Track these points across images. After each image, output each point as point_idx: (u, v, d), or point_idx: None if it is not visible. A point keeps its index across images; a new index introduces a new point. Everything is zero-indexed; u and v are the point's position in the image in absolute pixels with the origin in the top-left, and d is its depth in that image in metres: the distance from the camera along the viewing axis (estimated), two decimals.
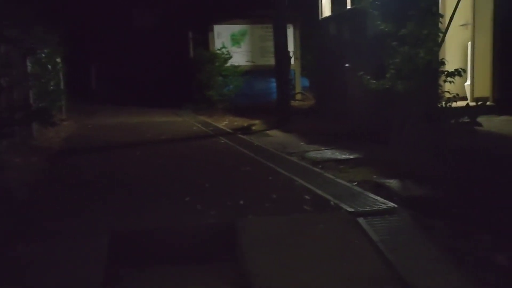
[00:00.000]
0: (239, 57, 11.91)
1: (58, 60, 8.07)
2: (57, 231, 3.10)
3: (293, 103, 10.33)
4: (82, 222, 3.25)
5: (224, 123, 8.73)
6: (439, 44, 4.57)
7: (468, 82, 6.75)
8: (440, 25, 4.63)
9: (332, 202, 3.55)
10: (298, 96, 12.05)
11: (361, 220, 3.19)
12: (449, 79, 4.37)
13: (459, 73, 4.34)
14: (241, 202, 3.64)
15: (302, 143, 6.23)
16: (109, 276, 2.72)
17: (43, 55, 6.37)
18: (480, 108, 4.53)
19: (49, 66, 6.97)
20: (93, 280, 2.56)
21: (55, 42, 7.27)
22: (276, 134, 7.23)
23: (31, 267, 2.67)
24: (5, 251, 2.80)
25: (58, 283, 2.52)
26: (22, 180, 4.20)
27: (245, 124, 8.29)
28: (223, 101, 11.32)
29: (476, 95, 6.54)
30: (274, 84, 11.16)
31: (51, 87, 6.98)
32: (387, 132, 5.22)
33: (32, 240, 2.96)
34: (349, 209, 3.35)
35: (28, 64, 5.84)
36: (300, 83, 12.47)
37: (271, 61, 11.38)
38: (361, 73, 5.18)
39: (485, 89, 6.48)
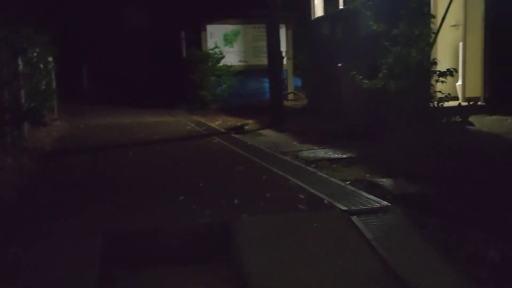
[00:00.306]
0: (231, 57, 11.91)
1: (50, 59, 8.00)
2: (51, 232, 3.08)
3: (286, 102, 10.36)
4: (76, 223, 3.23)
5: (217, 122, 8.72)
6: (431, 44, 4.61)
7: (459, 82, 6.81)
8: (432, 25, 4.67)
9: (326, 201, 3.56)
10: (291, 96, 12.09)
11: (355, 218, 3.21)
12: (441, 79, 4.41)
13: (451, 73, 4.39)
14: (236, 201, 3.64)
15: (295, 143, 6.25)
16: (104, 277, 2.70)
17: (35, 54, 6.31)
18: (472, 108, 4.58)
19: (41, 66, 6.91)
20: (88, 281, 2.55)
21: (45, 42, 7.21)
22: (269, 134, 7.24)
23: (25, 268, 2.65)
24: None
25: (53, 284, 2.50)
26: (15, 181, 4.16)
27: (238, 124, 8.29)
28: (216, 101, 11.33)
29: (468, 94, 6.59)
30: (266, 84, 11.18)
31: (43, 87, 6.92)
32: (380, 131, 5.26)
33: (25, 241, 2.93)
34: (343, 208, 3.37)
35: (19, 63, 5.79)
36: (292, 83, 12.51)
37: (263, 61, 11.40)
38: (354, 73, 5.21)
39: (476, 89, 6.54)
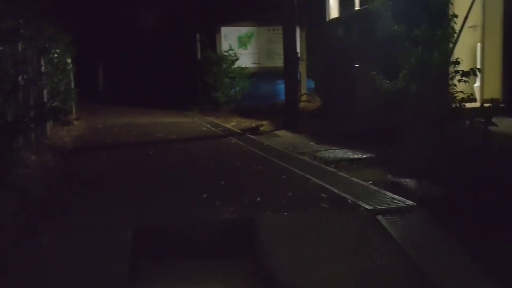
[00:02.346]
0: (245, 59, 11.97)
1: (69, 60, 8.13)
2: (81, 224, 3.14)
3: (299, 104, 10.35)
4: (105, 216, 3.30)
5: (232, 124, 8.77)
6: (454, 45, 4.60)
7: (477, 84, 6.77)
8: (454, 25, 4.66)
9: (349, 200, 3.57)
10: (304, 98, 12.09)
11: (380, 217, 3.22)
12: (464, 78, 4.40)
13: (474, 72, 4.37)
14: (258, 199, 3.67)
15: (312, 143, 6.26)
16: (133, 268, 2.75)
17: (56, 55, 6.42)
18: (492, 109, 4.54)
19: (61, 67, 7.02)
20: (119, 271, 2.59)
21: (66, 42, 7.33)
22: (284, 135, 7.26)
23: (59, 258, 2.70)
24: (31, 243, 2.84)
25: (87, 273, 2.55)
26: (40, 177, 4.24)
27: (253, 125, 8.34)
28: (230, 103, 11.40)
29: (486, 96, 6.55)
30: (280, 86, 11.23)
31: (62, 88, 7.03)
32: (398, 132, 5.24)
33: (57, 232, 2.99)
34: (368, 207, 3.37)
35: (42, 63, 5.89)
36: (305, 84, 12.53)
37: (277, 63, 11.46)
38: (374, 73, 5.20)
39: (495, 91, 6.49)
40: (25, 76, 4.36)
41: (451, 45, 4.60)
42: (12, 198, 3.44)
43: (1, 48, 3.74)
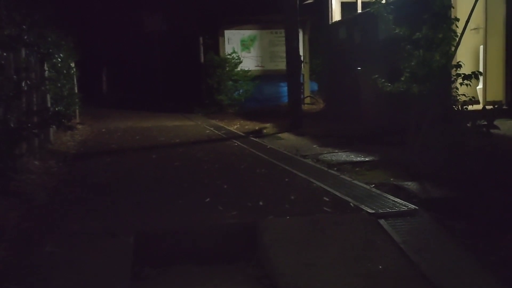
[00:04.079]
0: (249, 62, 12.01)
1: (72, 65, 8.17)
2: (83, 231, 3.14)
3: (303, 106, 10.37)
4: (107, 222, 3.29)
5: (236, 126, 8.78)
6: (455, 47, 4.60)
7: (480, 86, 6.77)
8: (456, 28, 4.65)
9: (351, 204, 3.57)
10: (308, 100, 12.11)
11: (382, 221, 3.21)
12: (465, 81, 4.39)
13: (476, 76, 4.36)
14: (261, 203, 3.67)
15: (315, 146, 6.26)
16: (135, 275, 2.76)
17: (59, 59, 6.45)
18: (496, 111, 4.53)
19: (64, 71, 7.06)
20: (121, 279, 2.60)
21: (69, 47, 7.36)
22: (288, 137, 7.26)
23: (60, 266, 2.71)
24: (33, 250, 2.85)
25: (88, 281, 2.56)
26: (43, 183, 4.25)
27: (257, 128, 8.35)
28: (233, 105, 11.43)
29: (489, 98, 6.55)
30: (283, 89, 11.27)
31: (66, 92, 7.07)
32: (401, 134, 5.24)
33: (59, 240, 3.00)
34: (370, 211, 3.37)
35: (45, 68, 5.92)
36: (309, 87, 12.54)
37: (280, 65, 11.49)
38: (376, 76, 5.21)
39: (498, 93, 6.49)
40: (28, 82, 4.38)
41: (452, 48, 4.60)
42: (15, 204, 3.46)
43: (4, 54, 3.76)
